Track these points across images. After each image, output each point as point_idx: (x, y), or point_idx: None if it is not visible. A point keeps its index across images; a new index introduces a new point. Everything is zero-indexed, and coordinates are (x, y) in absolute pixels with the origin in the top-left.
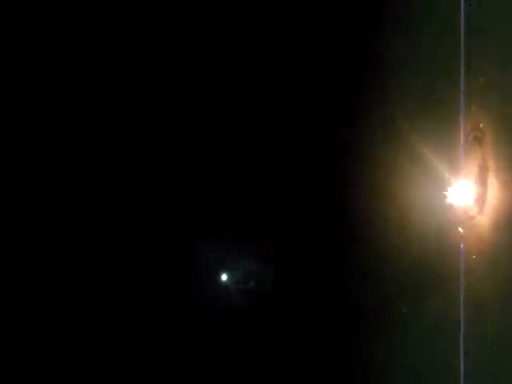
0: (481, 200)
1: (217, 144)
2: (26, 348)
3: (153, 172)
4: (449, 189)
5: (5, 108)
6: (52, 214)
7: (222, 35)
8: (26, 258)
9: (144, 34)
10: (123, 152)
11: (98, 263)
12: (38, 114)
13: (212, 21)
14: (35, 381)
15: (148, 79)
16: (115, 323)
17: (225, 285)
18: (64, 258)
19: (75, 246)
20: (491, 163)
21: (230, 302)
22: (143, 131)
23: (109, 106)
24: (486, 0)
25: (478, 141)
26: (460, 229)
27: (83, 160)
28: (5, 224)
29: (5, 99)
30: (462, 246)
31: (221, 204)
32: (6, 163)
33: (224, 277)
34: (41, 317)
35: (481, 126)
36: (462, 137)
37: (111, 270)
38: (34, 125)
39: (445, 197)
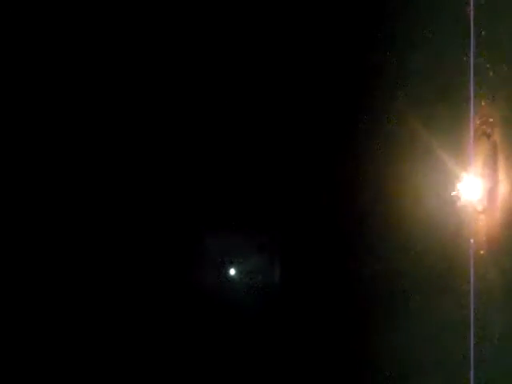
0: (490, 195)
1: (226, 140)
2: (26, 348)
3: (161, 167)
4: (457, 184)
5: (5, 108)
6: (59, 205)
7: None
8: (29, 251)
9: (144, 33)
10: (130, 149)
11: (105, 258)
12: (37, 114)
13: (212, 21)
14: (35, 381)
15: (148, 79)
16: (121, 313)
17: (232, 279)
18: (68, 249)
19: (78, 240)
20: (500, 158)
21: (236, 296)
22: (147, 128)
23: (111, 104)
24: None
25: (487, 136)
26: (469, 224)
27: (89, 154)
28: (5, 224)
29: (5, 99)
30: (471, 241)
31: (228, 199)
32: (6, 163)
33: (231, 271)
34: (45, 306)
35: (490, 120)
36: (471, 131)
37: (119, 262)
38: (34, 125)
39: (453, 192)
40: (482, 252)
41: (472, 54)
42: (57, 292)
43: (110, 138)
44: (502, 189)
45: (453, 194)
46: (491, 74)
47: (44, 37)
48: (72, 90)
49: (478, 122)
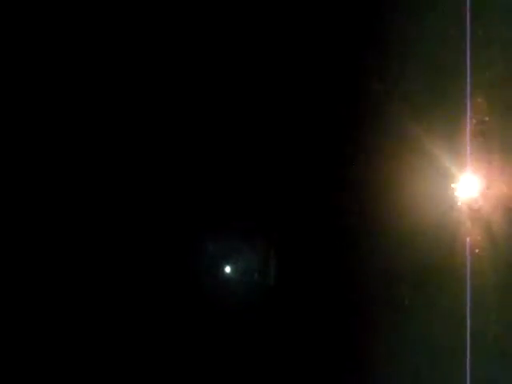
0: (485, 194)
1: (222, 140)
2: (26, 348)
3: (157, 168)
4: (453, 182)
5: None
6: (53, 210)
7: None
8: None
9: (144, 33)
10: (125, 149)
11: (103, 258)
12: (37, 114)
13: (212, 21)
14: (35, 381)
15: (148, 79)
16: (119, 314)
17: (228, 277)
18: (65, 250)
19: (76, 241)
20: (496, 157)
21: (233, 294)
22: (144, 129)
23: (109, 105)
24: None
25: (483, 135)
26: (465, 223)
27: (87, 154)
28: (5, 224)
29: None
30: (467, 240)
31: (224, 197)
32: (6, 163)
33: (228, 269)
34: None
35: (486, 119)
36: (467, 130)
37: (118, 261)
38: (34, 124)
39: (449, 191)
40: (477, 251)
41: (468, 53)
42: (54, 293)
43: (107, 137)
44: (498, 187)
45: (448, 193)
46: (487, 73)
47: (44, 37)
48: (71, 90)
49: (474, 121)
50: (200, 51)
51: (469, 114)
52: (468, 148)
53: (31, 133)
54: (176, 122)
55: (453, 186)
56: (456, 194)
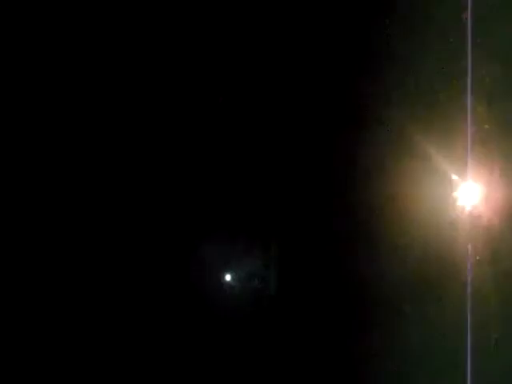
0: (486, 201)
1: (220, 143)
2: (26, 348)
3: (155, 172)
4: (454, 190)
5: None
6: (54, 212)
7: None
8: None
9: (144, 33)
10: (125, 152)
11: (99, 263)
12: (37, 114)
13: (212, 21)
14: (35, 381)
15: (149, 79)
16: (116, 324)
17: (228, 284)
18: (63, 255)
19: (75, 243)
20: (497, 164)
21: (233, 301)
22: (145, 131)
23: (109, 105)
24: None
25: (484, 142)
26: (466, 230)
27: (86, 156)
28: (5, 224)
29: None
30: (469, 246)
31: (223, 203)
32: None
33: (227, 276)
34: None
35: (486, 127)
36: (467, 138)
37: (113, 270)
38: (34, 124)
39: (450, 198)
40: (478, 258)
41: (469, 60)
42: (54, 297)
43: (106, 140)
44: (499, 195)
45: (449, 200)
46: (487, 80)
47: (44, 36)
48: (71, 90)
49: (474, 129)
50: (199, 51)
51: (469, 121)
52: (469, 155)
53: (31, 132)
54: (177, 127)
55: (453, 193)
56: (456, 201)
